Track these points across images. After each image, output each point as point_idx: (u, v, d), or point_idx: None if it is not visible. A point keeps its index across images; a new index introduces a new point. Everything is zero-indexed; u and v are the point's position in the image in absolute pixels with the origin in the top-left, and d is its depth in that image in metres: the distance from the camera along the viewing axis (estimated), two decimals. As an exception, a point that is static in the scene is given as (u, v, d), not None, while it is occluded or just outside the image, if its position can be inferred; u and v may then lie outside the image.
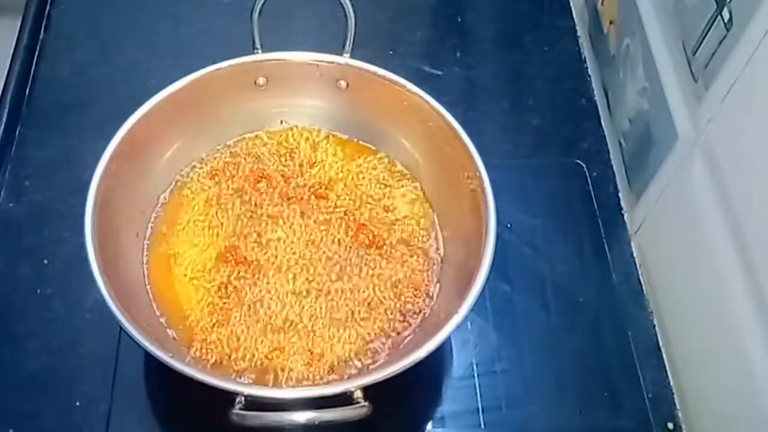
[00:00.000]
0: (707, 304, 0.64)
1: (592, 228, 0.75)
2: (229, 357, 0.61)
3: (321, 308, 0.63)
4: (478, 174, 0.62)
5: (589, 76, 0.85)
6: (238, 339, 0.61)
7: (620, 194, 0.78)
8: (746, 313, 0.57)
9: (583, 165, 0.79)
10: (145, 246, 0.65)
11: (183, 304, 0.63)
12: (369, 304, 0.63)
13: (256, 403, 0.53)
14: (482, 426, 0.65)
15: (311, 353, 0.61)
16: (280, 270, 0.64)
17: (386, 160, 0.70)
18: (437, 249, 0.66)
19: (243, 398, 0.53)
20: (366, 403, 0.53)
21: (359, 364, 0.61)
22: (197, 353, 0.61)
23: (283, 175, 0.69)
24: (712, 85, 0.61)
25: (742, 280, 0.58)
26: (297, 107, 0.71)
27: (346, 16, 0.67)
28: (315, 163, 0.70)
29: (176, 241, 0.66)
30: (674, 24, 0.67)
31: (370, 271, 0.65)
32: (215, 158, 0.70)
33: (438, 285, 0.65)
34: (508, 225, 0.74)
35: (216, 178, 0.69)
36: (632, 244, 0.75)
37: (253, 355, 0.61)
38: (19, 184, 0.75)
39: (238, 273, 0.64)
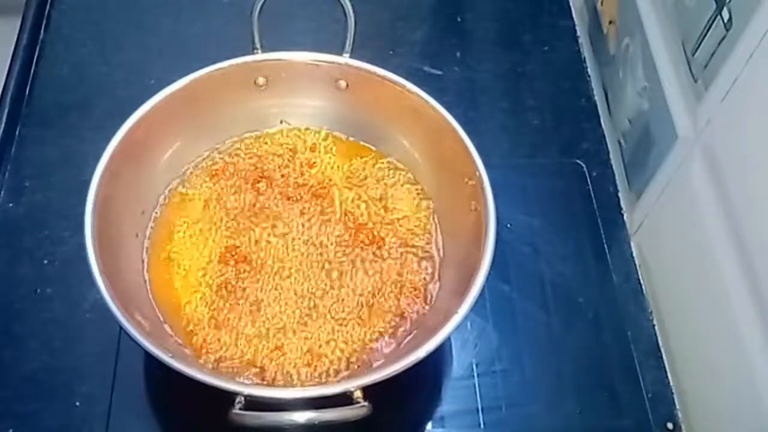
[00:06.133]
0: (707, 304, 0.64)
1: (592, 228, 0.75)
2: (229, 357, 0.61)
3: (321, 308, 0.63)
4: (477, 174, 0.62)
5: (589, 76, 0.85)
6: (238, 339, 0.61)
7: (620, 194, 0.77)
8: (746, 313, 0.57)
9: (583, 165, 0.79)
10: (145, 246, 0.65)
11: (183, 304, 0.63)
12: (369, 303, 0.63)
13: (255, 403, 0.53)
14: (482, 426, 0.65)
15: (311, 353, 0.61)
16: (280, 270, 0.64)
17: (386, 160, 0.70)
18: (437, 249, 0.66)
19: (243, 398, 0.53)
20: (366, 403, 0.53)
21: (359, 364, 0.61)
22: (197, 353, 0.61)
23: (283, 175, 0.69)
24: (712, 85, 0.61)
25: (742, 280, 0.58)
26: (297, 107, 0.71)
27: (346, 16, 0.67)
28: (315, 163, 0.70)
29: (176, 241, 0.65)
30: (674, 24, 0.67)
31: (370, 271, 0.65)
32: (215, 158, 0.70)
33: (438, 285, 0.64)
34: (508, 225, 0.74)
35: (216, 178, 0.69)
36: (632, 244, 0.75)
37: (253, 355, 0.61)
38: (19, 184, 0.75)
39: (238, 273, 0.64)
